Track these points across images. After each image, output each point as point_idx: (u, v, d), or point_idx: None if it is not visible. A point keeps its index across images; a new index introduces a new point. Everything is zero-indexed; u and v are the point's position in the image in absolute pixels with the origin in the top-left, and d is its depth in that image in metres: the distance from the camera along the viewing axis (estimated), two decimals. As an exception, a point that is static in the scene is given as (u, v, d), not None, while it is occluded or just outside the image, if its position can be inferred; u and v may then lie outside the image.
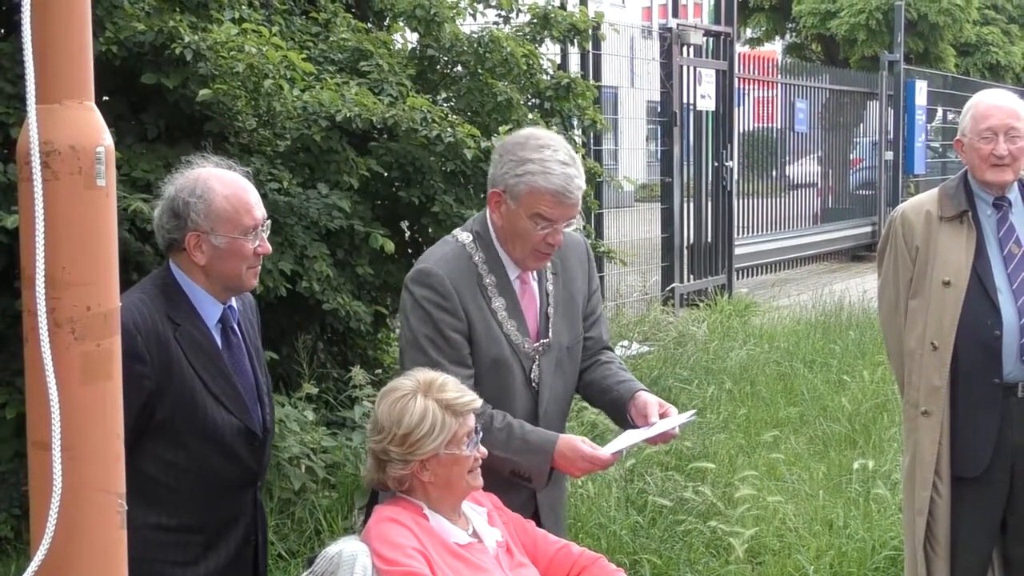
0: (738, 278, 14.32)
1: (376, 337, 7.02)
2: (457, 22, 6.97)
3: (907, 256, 4.02)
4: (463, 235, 3.28)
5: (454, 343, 3.15)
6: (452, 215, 6.26)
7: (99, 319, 1.82)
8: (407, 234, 6.93)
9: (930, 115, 21.06)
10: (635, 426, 3.29)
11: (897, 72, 18.48)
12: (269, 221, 3.02)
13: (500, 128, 6.36)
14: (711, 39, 13.77)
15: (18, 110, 5.23)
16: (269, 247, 3.02)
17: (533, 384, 3.28)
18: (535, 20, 7.48)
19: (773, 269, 16.26)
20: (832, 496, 6.13)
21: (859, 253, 18.28)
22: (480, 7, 7.38)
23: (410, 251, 6.94)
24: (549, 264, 3.32)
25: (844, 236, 18.28)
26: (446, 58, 6.95)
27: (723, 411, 7.75)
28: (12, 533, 5.30)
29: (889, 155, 18.51)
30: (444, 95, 7.08)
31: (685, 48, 12.89)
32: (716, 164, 13.65)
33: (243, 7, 6.15)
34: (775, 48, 29.28)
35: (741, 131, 15.44)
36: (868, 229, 18.64)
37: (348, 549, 2.79)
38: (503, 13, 7.46)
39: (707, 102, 13.32)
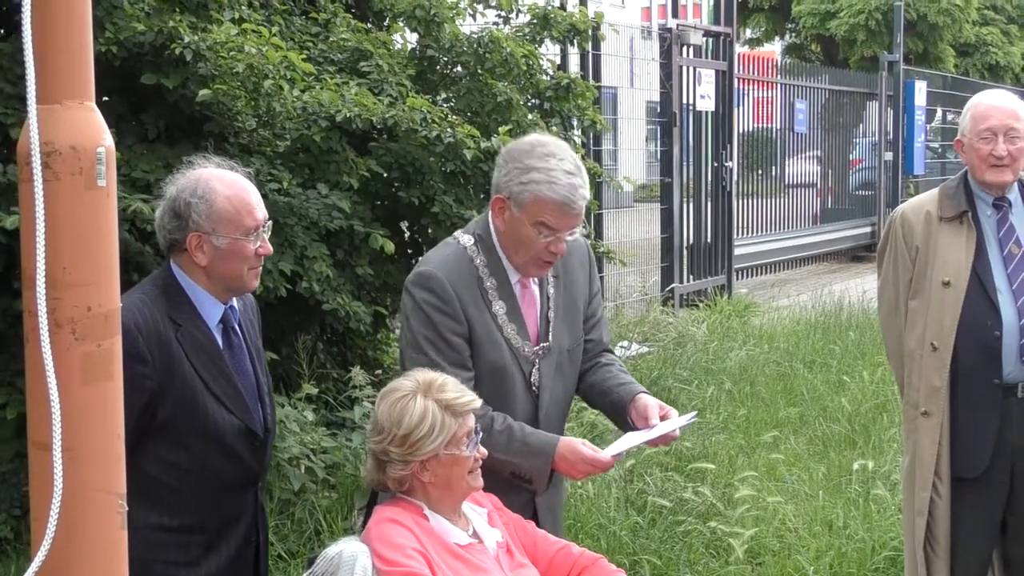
0: (738, 278, 14.32)
1: (376, 337, 7.02)
2: (457, 22, 6.97)
3: (907, 256, 4.02)
4: (464, 238, 3.27)
5: (455, 346, 3.15)
6: (452, 215, 6.26)
7: (100, 319, 1.82)
8: (407, 234, 6.93)
9: (929, 115, 21.07)
10: (636, 428, 3.29)
11: (896, 72, 18.49)
12: (270, 222, 3.02)
13: (500, 128, 6.36)
14: (711, 39, 13.78)
15: (17, 110, 5.23)
16: (270, 248, 3.02)
17: (533, 388, 3.28)
18: (535, 20, 7.48)
19: (773, 269, 16.26)
20: (832, 497, 6.13)
21: (858, 253, 18.29)
22: (480, 7, 7.38)
23: (410, 251, 6.94)
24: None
25: (843, 236, 18.29)
26: (446, 58, 6.95)
27: (723, 412, 7.75)
28: (12, 534, 5.30)
29: (888, 155, 18.52)
30: (444, 95, 7.07)
31: (685, 48, 12.89)
32: (716, 164, 13.65)
33: (243, 7, 6.14)
34: (774, 48, 29.29)
35: (741, 131, 15.45)
36: (868, 229, 18.64)
37: (348, 550, 2.79)
38: (503, 13, 7.45)
39: (707, 102, 13.32)
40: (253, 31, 5.76)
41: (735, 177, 14.19)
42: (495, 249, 3.23)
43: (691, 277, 13.20)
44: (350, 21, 6.84)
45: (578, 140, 7.62)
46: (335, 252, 6.06)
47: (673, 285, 12.58)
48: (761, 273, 15.87)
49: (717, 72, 13.56)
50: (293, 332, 6.30)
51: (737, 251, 14.25)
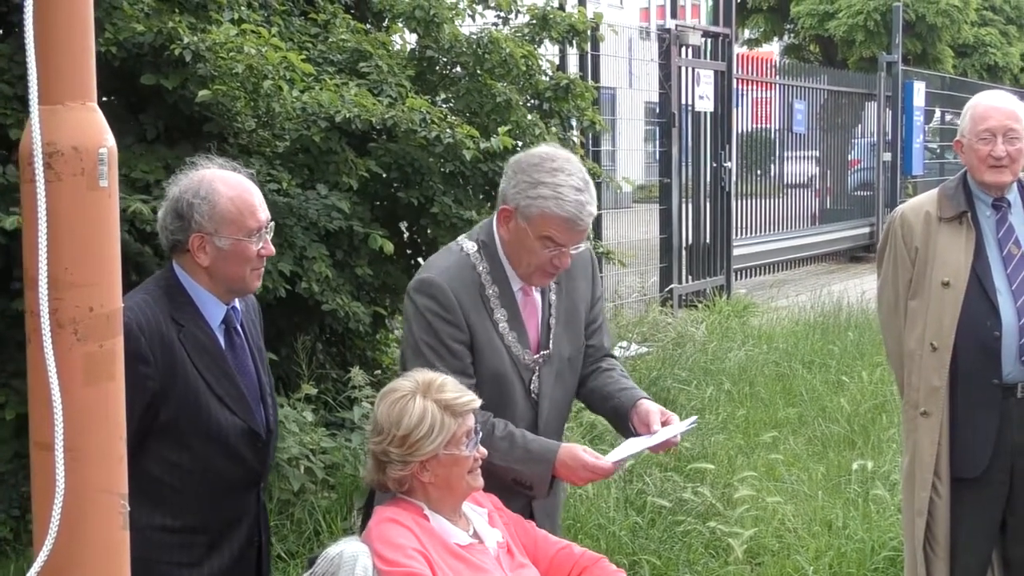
0: (736, 279, 14.32)
1: (375, 338, 7.02)
2: (456, 23, 6.97)
3: (906, 257, 4.02)
4: (468, 244, 3.26)
5: (456, 353, 3.15)
6: (451, 216, 6.26)
7: (102, 320, 1.82)
8: (406, 235, 6.93)
9: (928, 116, 21.08)
10: (637, 434, 3.29)
11: (895, 73, 18.49)
12: (273, 223, 3.02)
13: (499, 129, 6.36)
14: (709, 40, 13.78)
15: (16, 111, 5.23)
16: (273, 249, 3.02)
17: (533, 395, 3.29)
18: (534, 21, 7.48)
19: (771, 270, 16.27)
20: (831, 497, 6.13)
21: (857, 254, 18.29)
22: (479, 8, 7.38)
23: (409, 252, 6.94)
24: None
25: (842, 237, 18.29)
26: (445, 59, 6.95)
27: (722, 412, 7.76)
28: (11, 535, 5.30)
29: (887, 156, 18.52)
30: (443, 96, 7.07)
31: (683, 49, 12.89)
32: (714, 165, 13.64)
33: (242, 8, 6.14)
34: (773, 49, 29.30)
35: (739, 132, 15.45)
36: (866, 230, 18.65)
37: (349, 550, 2.80)
38: (502, 14, 7.45)
39: (705, 103, 13.32)
40: (252, 32, 5.76)
41: (734, 178, 14.19)
42: (498, 257, 3.23)
43: (690, 277, 13.20)
44: (349, 22, 6.84)
45: (577, 140, 7.62)
46: (334, 252, 6.06)
47: (672, 285, 12.59)
48: (760, 273, 15.88)
49: (716, 73, 13.57)
50: (292, 332, 6.30)
51: (736, 251, 14.26)
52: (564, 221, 3.10)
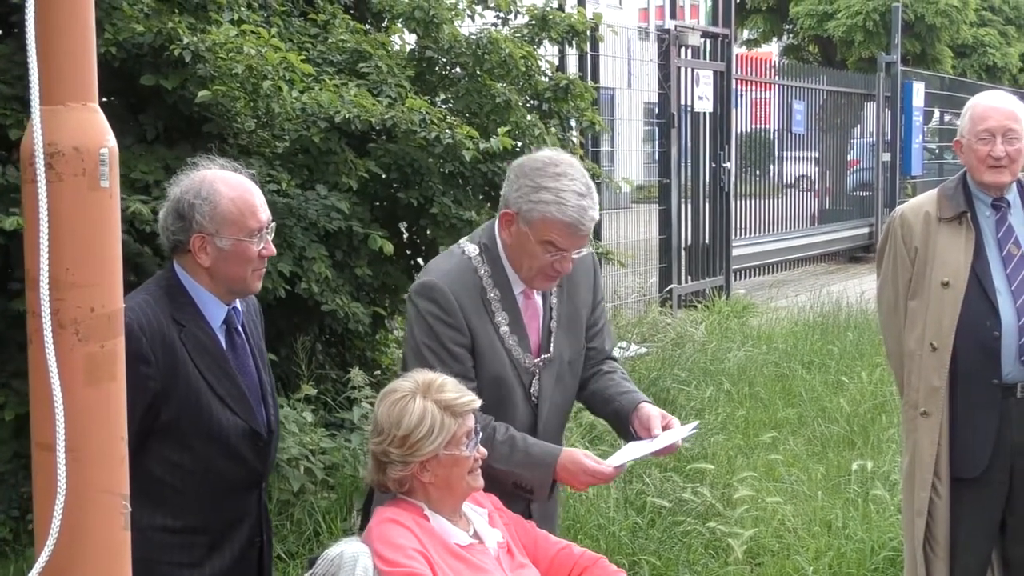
0: (736, 279, 14.33)
1: (374, 338, 7.02)
2: (456, 23, 6.97)
3: (906, 257, 4.02)
4: (470, 247, 3.26)
5: (458, 356, 3.15)
6: (450, 216, 6.26)
7: (103, 320, 1.83)
8: (405, 235, 6.93)
9: (927, 116, 21.09)
10: (638, 438, 3.29)
11: (894, 73, 18.50)
12: (274, 224, 3.02)
13: (499, 130, 6.36)
14: (708, 40, 13.79)
15: (15, 111, 5.23)
16: (274, 249, 3.02)
17: (533, 398, 3.29)
18: (533, 22, 7.48)
19: (771, 270, 16.27)
20: (831, 497, 6.13)
21: (856, 254, 18.30)
22: (479, 8, 7.39)
23: (408, 252, 6.94)
24: None
25: (841, 237, 18.30)
26: (445, 59, 6.95)
27: (721, 412, 7.76)
28: (11, 535, 5.29)
29: (886, 156, 18.54)
30: (443, 96, 7.08)
31: (683, 50, 12.90)
32: (714, 165, 13.65)
33: (242, 8, 6.15)
34: (772, 49, 29.30)
35: (738, 132, 15.45)
36: (865, 230, 18.66)
37: (349, 550, 2.80)
38: (501, 15, 7.46)
39: (705, 103, 13.33)
40: (252, 32, 5.76)
41: (733, 178, 14.20)
42: (500, 260, 3.23)
43: (689, 278, 13.20)
44: (349, 22, 6.85)
45: (576, 141, 7.62)
46: (334, 253, 6.06)
47: (671, 286, 12.59)
48: (759, 274, 15.88)
49: (715, 73, 13.57)
50: (292, 333, 6.30)
51: (735, 252, 14.26)
52: (566, 226, 3.10)
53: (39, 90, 1.74)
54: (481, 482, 2.95)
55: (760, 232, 16.29)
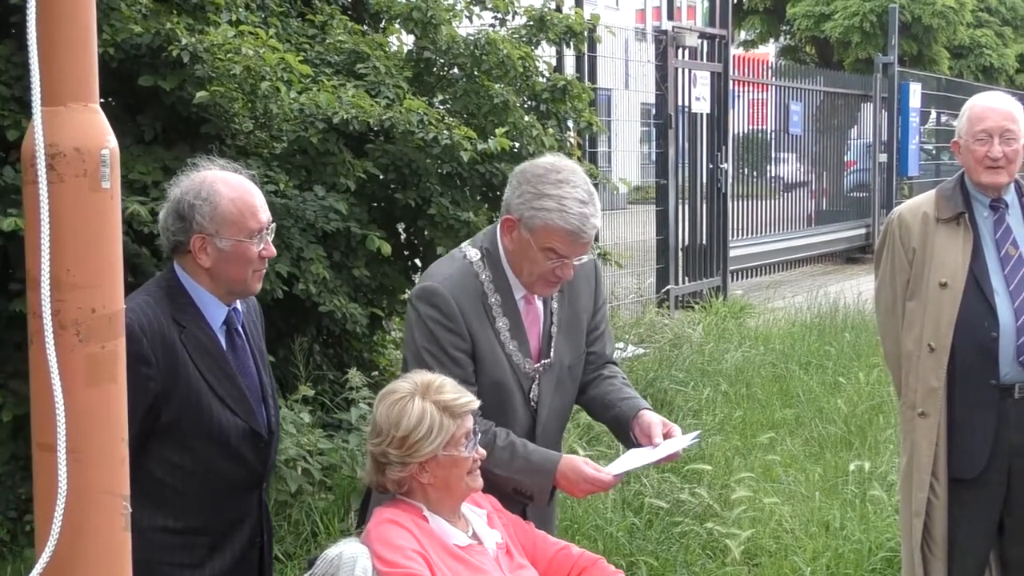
0: (733, 280, 14.33)
1: (372, 339, 7.02)
2: (453, 24, 6.97)
3: (904, 258, 4.03)
4: (471, 252, 3.26)
5: (458, 361, 3.15)
6: (448, 217, 6.26)
7: (104, 321, 1.83)
8: (403, 236, 6.93)
9: (924, 117, 21.10)
10: (638, 444, 3.28)
11: (891, 74, 18.52)
12: (274, 225, 3.03)
13: (497, 130, 6.36)
14: (706, 41, 13.79)
15: (13, 112, 5.22)
16: (274, 250, 3.02)
17: (532, 403, 3.29)
18: (531, 22, 7.48)
19: (768, 271, 16.28)
20: (828, 498, 6.14)
21: (853, 255, 18.31)
22: (476, 9, 7.39)
23: (406, 253, 6.94)
24: None
25: (838, 238, 18.31)
26: (442, 60, 6.95)
27: (719, 413, 7.76)
28: (8, 536, 5.29)
29: (883, 157, 18.55)
30: (440, 97, 7.08)
31: (680, 50, 12.90)
32: (711, 166, 13.66)
33: (240, 9, 6.15)
34: (769, 51, 29.32)
35: (735, 133, 15.46)
36: (862, 231, 18.67)
37: (348, 551, 2.80)
38: (499, 15, 7.46)
39: (702, 104, 13.33)
40: (250, 33, 5.76)
41: (730, 179, 14.21)
42: (501, 266, 3.23)
43: (686, 279, 13.21)
44: (347, 23, 6.85)
45: (574, 142, 7.62)
46: (332, 254, 6.06)
47: (668, 287, 12.59)
48: (756, 275, 15.88)
49: (712, 74, 13.58)
50: (290, 334, 6.30)
51: (732, 253, 14.27)
52: (568, 233, 3.09)
53: (40, 91, 1.75)
54: (480, 483, 2.96)
55: (757, 233, 16.30)
